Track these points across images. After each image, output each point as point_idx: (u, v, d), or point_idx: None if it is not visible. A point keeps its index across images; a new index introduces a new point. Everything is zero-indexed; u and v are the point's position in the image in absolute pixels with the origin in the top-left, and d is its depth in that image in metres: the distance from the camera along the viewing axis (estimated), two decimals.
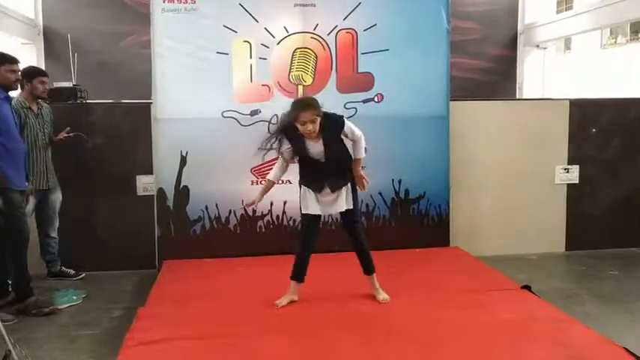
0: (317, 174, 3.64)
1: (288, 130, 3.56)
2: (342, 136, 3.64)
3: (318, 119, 3.45)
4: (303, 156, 3.62)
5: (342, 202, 3.65)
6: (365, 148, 3.70)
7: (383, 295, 3.81)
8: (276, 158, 3.80)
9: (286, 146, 3.61)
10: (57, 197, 4.72)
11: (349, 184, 3.68)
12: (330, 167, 3.62)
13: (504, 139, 5.47)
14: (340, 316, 3.60)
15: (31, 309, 3.94)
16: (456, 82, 5.54)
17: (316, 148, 3.58)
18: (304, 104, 3.50)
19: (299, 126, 3.45)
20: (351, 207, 3.69)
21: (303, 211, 3.72)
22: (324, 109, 3.53)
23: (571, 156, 5.55)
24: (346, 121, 3.62)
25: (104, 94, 7.91)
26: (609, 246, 5.61)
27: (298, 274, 3.75)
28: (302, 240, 3.80)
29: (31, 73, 4.49)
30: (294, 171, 3.78)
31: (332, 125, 3.56)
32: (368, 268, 3.83)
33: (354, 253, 3.82)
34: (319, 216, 3.72)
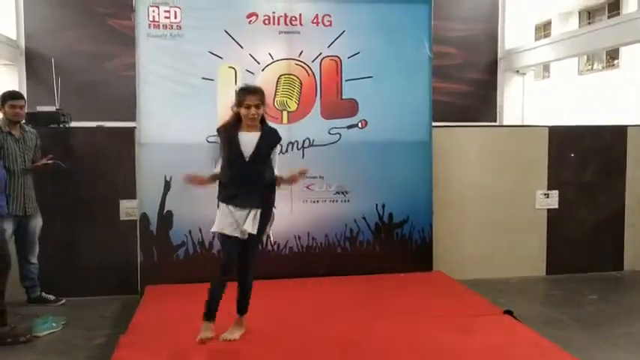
0: (236, 179, 3.50)
1: (225, 125, 3.59)
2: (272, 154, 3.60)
3: (262, 108, 3.50)
4: (231, 149, 3.51)
5: (248, 222, 3.47)
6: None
7: (226, 335, 3.58)
8: None
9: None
10: (37, 223, 4.66)
11: (259, 212, 3.51)
12: (251, 172, 3.50)
13: (486, 165, 5.56)
14: (321, 341, 3.59)
15: (6, 338, 3.85)
16: (438, 106, 5.63)
17: (249, 139, 3.49)
18: (251, 89, 3.58)
19: (243, 110, 3.46)
20: (255, 232, 3.50)
21: (212, 229, 3.61)
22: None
23: (551, 181, 5.65)
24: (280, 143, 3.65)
25: (87, 115, 7.90)
26: (589, 270, 5.69)
27: (210, 314, 3.55)
28: (221, 264, 3.60)
29: (2, 98, 4.45)
30: (276, 195, 3.77)
31: (272, 133, 3.61)
32: (242, 308, 3.65)
33: (238, 289, 3.64)
34: (237, 238, 3.51)
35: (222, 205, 3.55)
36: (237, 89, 3.63)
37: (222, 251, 3.70)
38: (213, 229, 3.61)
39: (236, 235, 3.52)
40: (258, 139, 3.51)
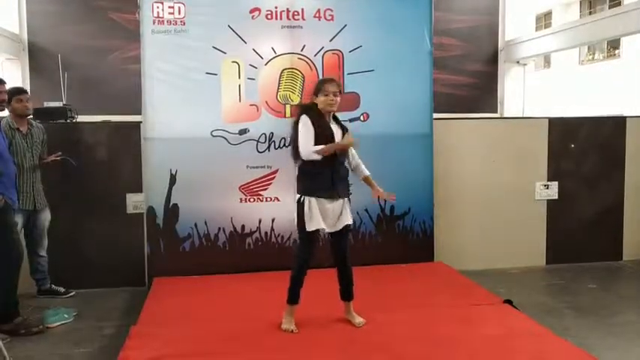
0: (329, 172, 3.55)
1: (309, 113, 3.58)
2: None
3: (339, 97, 3.61)
4: (326, 140, 3.53)
5: (346, 215, 3.62)
6: None
7: (359, 319, 3.76)
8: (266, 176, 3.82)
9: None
10: (46, 217, 4.75)
11: (347, 201, 3.67)
12: (341, 163, 3.62)
13: (486, 157, 5.63)
14: (325, 332, 3.68)
15: (19, 329, 3.95)
16: (439, 98, 5.71)
17: (336, 131, 3.62)
18: (330, 78, 3.77)
19: (322, 98, 3.55)
20: (351, 222, 3.68)
21: (308, 228, 3.52)
22: None
23: (550, 172, 5.73)
24: None
25: (90, 109, 7.95)
26: (588, 260, 5.78)
27: (296, 297, 3.67)
28: (304, 260, 3.62)
29: (9, 94, 4.46)
30: (281, 187, 3.84)
31: (342, 125, 3.72)
32: (349, 295, 3.77)
33: (338, 277, 3.75)
34: (319, 232, 3.60)
35: (312, 200, 3.53)
36: (318, 80, 3.79)
37: (303, 247, 3.65)
38: (309, 228, 3.53)
39: (331, 230, 3.61)
40: (343, 131, 3.65)
